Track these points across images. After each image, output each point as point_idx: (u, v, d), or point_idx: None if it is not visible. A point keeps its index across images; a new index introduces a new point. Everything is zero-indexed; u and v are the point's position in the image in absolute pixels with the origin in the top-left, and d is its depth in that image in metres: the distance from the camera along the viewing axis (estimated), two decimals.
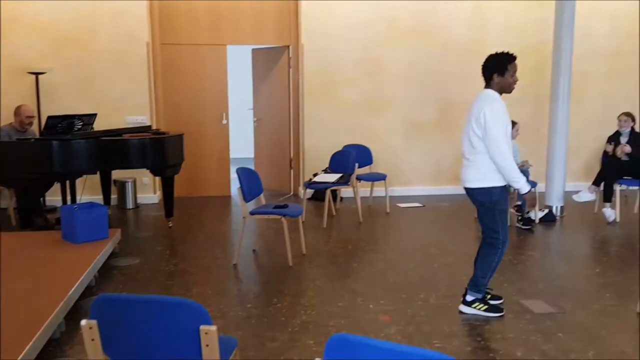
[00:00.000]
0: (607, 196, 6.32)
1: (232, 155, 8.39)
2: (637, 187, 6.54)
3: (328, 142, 7.55)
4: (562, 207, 6.65)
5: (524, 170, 6.23)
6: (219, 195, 8.05)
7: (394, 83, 7.78)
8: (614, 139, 6.62)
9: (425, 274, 4.58)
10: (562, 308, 3.84)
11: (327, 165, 7.01)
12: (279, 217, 4.86)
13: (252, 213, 4.90)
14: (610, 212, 6.28)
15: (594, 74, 8.02)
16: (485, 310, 3.73)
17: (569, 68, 6.50)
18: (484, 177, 3.57)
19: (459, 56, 7.78)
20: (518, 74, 3.62)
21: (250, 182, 4.98)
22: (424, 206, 7.25)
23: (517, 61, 3.59)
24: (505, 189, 3.64)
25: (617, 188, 6.32)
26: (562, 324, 3.59)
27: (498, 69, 3.56)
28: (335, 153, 6.89)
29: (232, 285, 4.38)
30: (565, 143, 6.62)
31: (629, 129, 6.53)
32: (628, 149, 6.40)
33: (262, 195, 5.27)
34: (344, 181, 6.38)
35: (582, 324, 3.59)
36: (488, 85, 3.63)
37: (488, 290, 3.90)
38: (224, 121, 7.96)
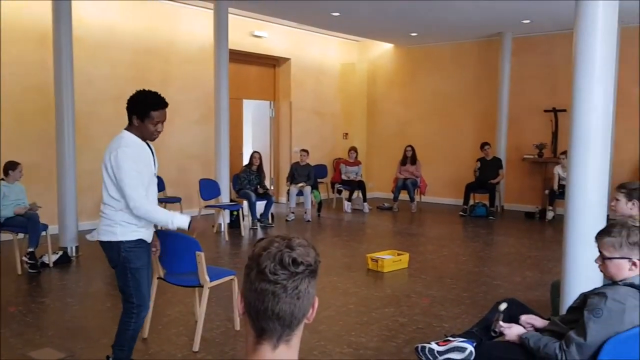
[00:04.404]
0: None
1: None
2: None
3: None
4: (77, 247, 6.66)
5: (33, 214, 6.02)
6: None
7: None
8: None
9: None
10: (71, 350, 3.86)
11: None
12: None
13: None
14: None
15: (100, 115, 8.35)
16: None
17: (72, 110, 6.63)
18: (111, 229, 3.20)
19: None
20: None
21: None
22: None
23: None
24: (141, 244, 3.26)
25: None
26: None
27: (139, 112, 3.21)
28: None
29: None
30: (74, 183, 6.71)
31: None
32: None
33: None
34: None
35: None
36: (129, 125, 3.27)
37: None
38: None
